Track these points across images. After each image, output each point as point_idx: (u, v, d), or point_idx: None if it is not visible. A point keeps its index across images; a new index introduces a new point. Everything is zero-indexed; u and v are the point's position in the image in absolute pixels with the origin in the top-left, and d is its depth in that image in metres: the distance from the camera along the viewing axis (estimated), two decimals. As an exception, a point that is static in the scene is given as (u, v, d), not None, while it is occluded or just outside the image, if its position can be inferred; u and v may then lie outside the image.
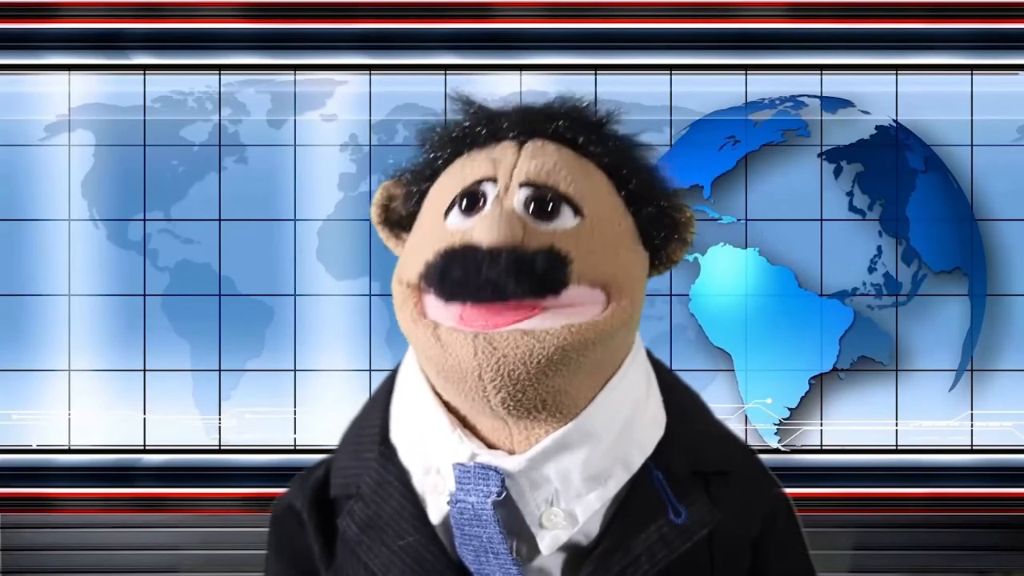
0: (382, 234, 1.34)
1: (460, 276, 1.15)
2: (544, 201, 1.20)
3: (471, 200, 1.22)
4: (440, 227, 1.23)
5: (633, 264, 1.25)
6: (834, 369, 3.33)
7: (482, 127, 1.27)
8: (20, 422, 3.34)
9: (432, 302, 1.20)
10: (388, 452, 1.29)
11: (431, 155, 1.30)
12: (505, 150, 1.24)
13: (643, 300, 1.26)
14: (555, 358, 1.14)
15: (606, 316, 1.19)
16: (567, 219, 1.20)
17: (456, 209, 1.22)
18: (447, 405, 1.25)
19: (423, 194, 1.29)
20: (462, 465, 1.20)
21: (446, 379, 1.19)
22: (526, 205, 1.20)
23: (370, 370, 3.33)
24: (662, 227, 1.27)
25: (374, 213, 1.33)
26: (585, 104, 1.29)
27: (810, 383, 3.33)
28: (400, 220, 1.32)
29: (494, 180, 1.22)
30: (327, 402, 3.34)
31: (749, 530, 1.32)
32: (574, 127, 1.26)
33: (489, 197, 1.21)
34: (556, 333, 1.15)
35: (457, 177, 1.25)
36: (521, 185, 1.21)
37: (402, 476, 1.26)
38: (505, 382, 1.15)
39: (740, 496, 1.30)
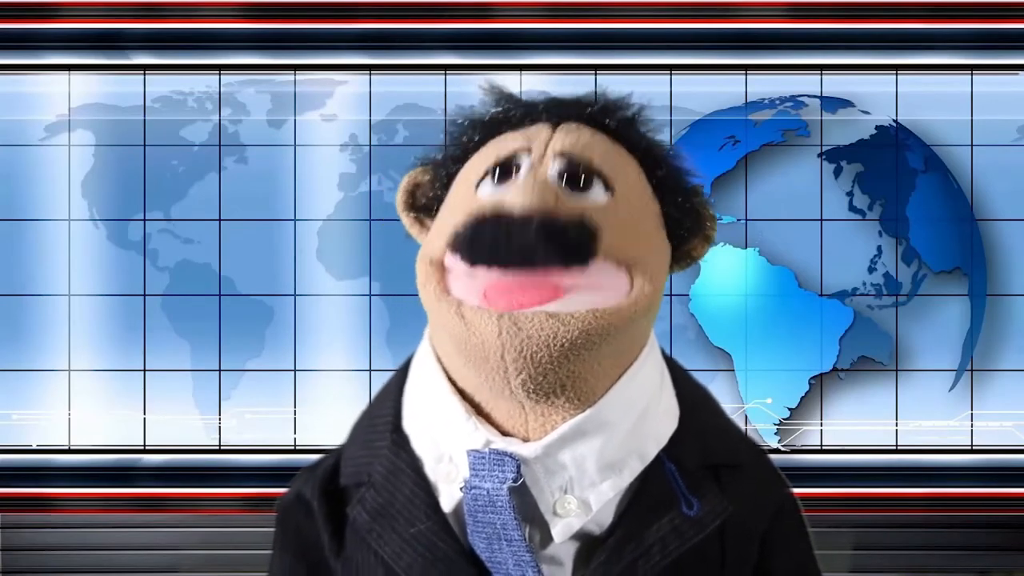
0: (406, 220, 1.34)
1: (490, 240, 1.15)
2: (577, 174, 1.20)
3: (504, 170, 1.22)
4: (471, 197, 1.23)
5: (658, 248, 1.26)
6: (834, 369, 3.34)
7: (516, 111, 1.28)
8: (20, 422, 3.34)
9: (457, 277, 1.20)
10: (400, 440, 1.29)
11: (463, 137, 1.30)
12: (540, 130, 1.25)
13: (664, 285, 1.26)
14: (579, 342, 1.15)
15: (630, 301, 1.19)
16: (598, 194, 1.21)
17: (488, 180, 1.22)
18: (462, 393, 1.25)
19: (452, 176, 1.29)
20: (477, 451, 1.20)
21: (467, 358, 1.19)
22: (559, 177, 1.20)
23: (370, 370, 3.33)
24: (687, 219, 1.28)
25: (400, 199, 1.33)
26: (617, 98, 1.30)
27: (810, 383, 3.33)
28: (426, 205, 1.32)
29: (528, 152, 1.22)
30: (327, 402, 3.34)
31: (759, 524, 1.32)
32: (607, 114, 1.28)
33: (523, 167, 1.22)
34: (581, 317, 1.15)
35: (490, 155, 1.25)
36: (555, 157, 1.21)
37: (414, 464, 1.26)
38: (527, 363, 1.15)
39: (750, 490, 1.31)
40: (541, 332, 1.14)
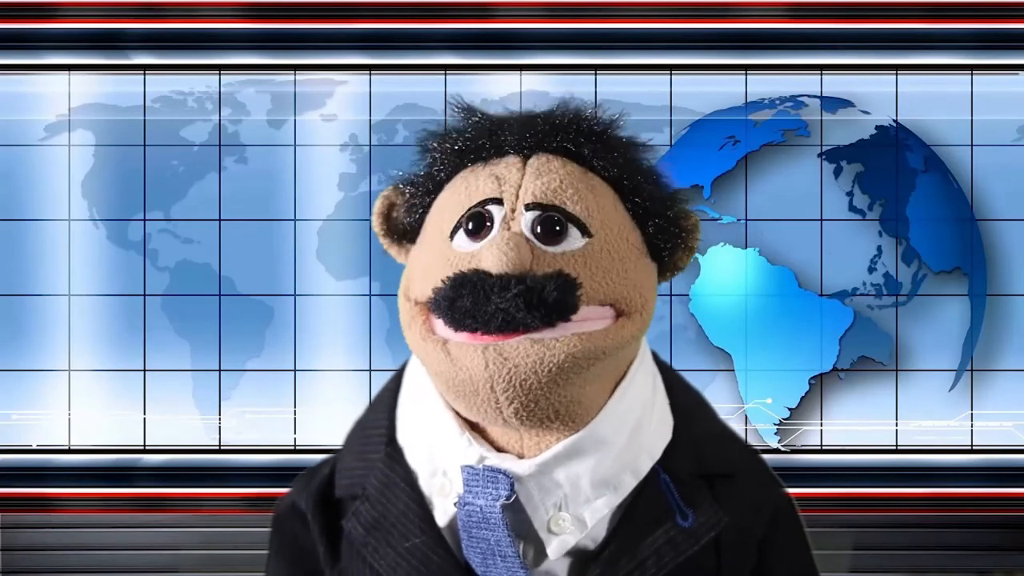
0: (384, 243, 1.33)
1: (470, 306, 1.15)
2: (551, 223, 1.19)
3: (477, 222, 1.21)
4: (446, 249, 1.22)
5: (642, 278, 1.24)
6: (834, 369, 3.33)
7: (485, 140, 1.26)
8: (20, 422, 3.34)
9: (441, 324, 1.20)
10: (395, 453, 1.29)
11: (433, 168, 1.29)
12: (509, 167, 1.23)
13: (653, 310, 1.26)
14: (566, 365, 1.14)
15: (616, 328, 1.19)
16: (575, 240, 1.20)
17: (462, 231, 1.21)
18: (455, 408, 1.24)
19: (425, 208, 1.28)
20: (471, 467, 1.20)
21: (457, 394, 1.19)
22: (533, 228, 1.19)
23: (370, 370, 3.33)
24: (669, 237, 1.27)
25: (376, 223, 1.32)
26: (588, 111, 1.27)
27: (810, 383, 3.33)
28: (402, 229, 1.32)
29: (500, 201, 1.21)
30: (327, 402, 3.34)
31: (755, 531, 1.32)
32: (577, 139, 1.25)
33: (496, 219, 1.20)
34: (566, 341, 1.15)
35: (461, 193, 1.24)
36: (527, 207, 1.20)
37: (409, 477, 1.26)
38: (517, 392, 1.15)
39: (745, 498, 1.30)
40: (527, 359, 1.14)
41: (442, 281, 1.18)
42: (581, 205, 1.21)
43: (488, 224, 1.21)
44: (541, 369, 1.14)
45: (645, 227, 1.26)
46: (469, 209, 1.22)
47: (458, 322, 1.16)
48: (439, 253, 1.22)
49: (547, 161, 1.24)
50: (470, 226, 1.21)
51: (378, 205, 1.32)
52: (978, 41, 3.31)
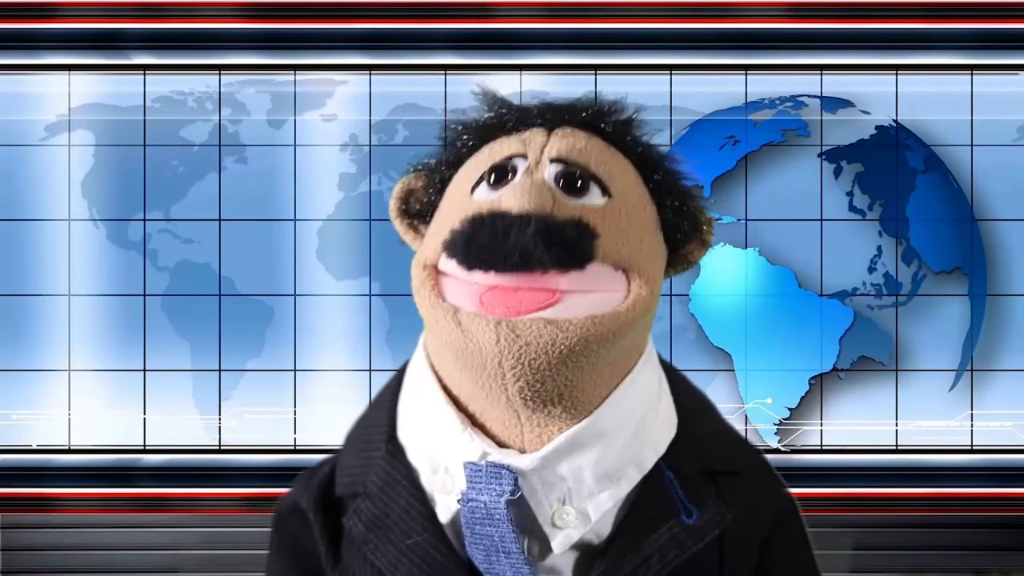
0: (399, 227, 1.33)
1: (487, 241, 1.14)
2: (573, 177, 1.20)
3: (500, 173, 1.21)
4: (466, 201, 1.22)
5: (655, 252, 1.25)
6: (834, 369, 3.34)
7: (510, 116, 1.27)
8: (20, 422, 3.34)
9: (452, 282, 1.19)
10: (396, 450, 1.28)
11: (456, 143, 1.29)
12: (535, 134, 1.24)
13: (660, 291, 1.26)
14: (577, 348, 1.13)
15: (628, 305, 1.18)
16: (595, 197, 1.20)
17: (484, 184, 1.21)
18: (457, 404, 1.24)
19: (446, 181, 1.28)
20: (473, 464, 1.19)
21: (464, 364, 1.17)
22: (556, 180, 1.20)
23: (370, 370, 3.33)
24: (684, 223, 1.27)
25: (392, 206, 1.32)
26: (612, 101, 1.29)
27: (810, 383, 3.33)
28: (420, 211, 1.31)
29: (524, 156, 1.22)
30: (327, 402, 3.34)
31: (758, 530, 1.32)
32: (602, 117, 1.27)
33: (519, 170, 1.21)
34: (580, 323, 1.14)
35: (485, 159, 1.24)
36: (552, 161, 1.21)
37: (410, 475, 1.26)
38: (525, 371, 1.14)
39: (749, 497, 1.30)
40: (539, 339, 1.13)
41: (460, 222, 1.18)
42: (604, 167, 1.22)
43: (511, 176, 1.21)
44: (552, 350, 1.13)
45: (663, 208, 1.27)
46: (493, 163, 1.22)
47: (473, 259, 1.15)
48: (457, 206, 1.22)
49: (572, 131, 1.25)
50: (492, 177, 1.21)
51: (397, 189, 1.32)
52: (978, 41, 3.31)
